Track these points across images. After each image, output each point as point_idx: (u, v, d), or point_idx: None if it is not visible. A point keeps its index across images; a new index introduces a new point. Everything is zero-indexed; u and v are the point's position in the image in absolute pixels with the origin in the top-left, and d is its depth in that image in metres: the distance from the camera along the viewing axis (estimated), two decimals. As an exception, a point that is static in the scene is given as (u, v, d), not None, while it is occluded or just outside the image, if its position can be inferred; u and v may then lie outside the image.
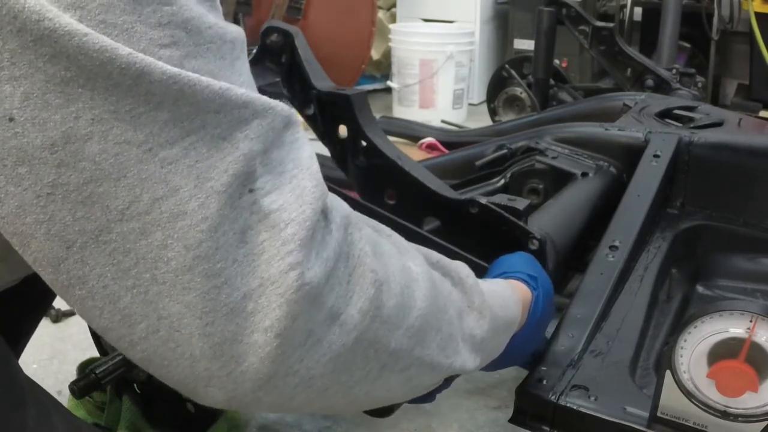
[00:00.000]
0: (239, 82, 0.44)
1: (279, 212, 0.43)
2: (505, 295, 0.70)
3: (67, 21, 0.38)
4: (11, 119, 0.38)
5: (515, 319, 0.70)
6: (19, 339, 0.86)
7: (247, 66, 0.47)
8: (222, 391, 0.44)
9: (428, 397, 0.70)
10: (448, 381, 0.69)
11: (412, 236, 0.82)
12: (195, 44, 0.42)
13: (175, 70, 0.40)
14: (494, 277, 0.77)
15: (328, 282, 0.45)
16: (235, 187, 0.42)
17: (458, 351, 0.59)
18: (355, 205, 0.88)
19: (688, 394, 0.64)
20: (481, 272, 0.76)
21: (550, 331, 0.82)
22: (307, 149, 0.47)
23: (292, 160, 0.46)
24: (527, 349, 0.77)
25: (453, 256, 0.77)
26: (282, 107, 0.46)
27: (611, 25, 2.02)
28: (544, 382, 0.74)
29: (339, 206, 0.49)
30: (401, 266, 0.53)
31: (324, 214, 0.46)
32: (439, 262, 0.61)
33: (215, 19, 0.44)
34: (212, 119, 0.42)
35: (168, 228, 0.40)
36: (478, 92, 3.30)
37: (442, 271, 0.61)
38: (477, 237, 0.88)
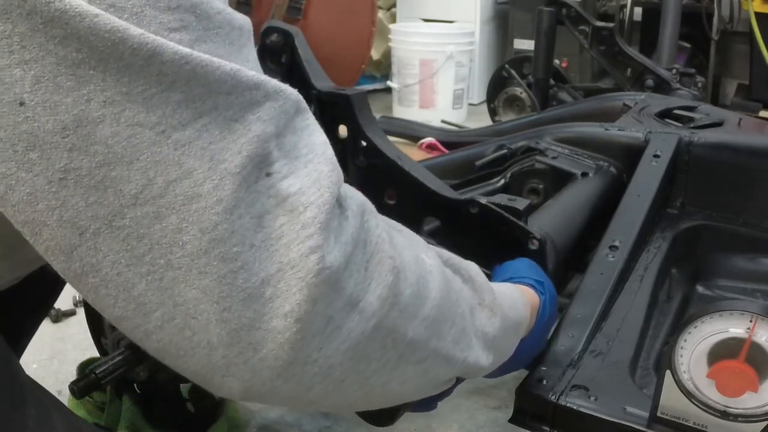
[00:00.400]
0: (248, 68, 0.44)
1: (297, 196, 0.43)
2: (514, 297, 0.70)
3: (78, 2, 0.38)
4: (22, 103, 0.38)
5: (524, 321, 0.70)
6: (20, 339, 0.86)
7: (254, 54, 0.47)
8: (239, 380, 0.43)
9: (430, 404, 0.69)
10: (449, 388, 0.69)
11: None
12: (204, 29, 0.42)
13: (187, 50, 0.40)
14: (500, 282, 0.77)
15: (347, 268, 0.44)
16: (249, 169, 0.41)
17: (471, 346, 0.58)
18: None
19: (688, 394, 0.64)
20: None
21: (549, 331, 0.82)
22: (320, 135, 0.47)
23: (306, 145, 0.45)
24: (534, 353, 0.77)
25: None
26: (292, 92, 0.45)
27: (611, 25, 2.02)
28: (544, 382, 0.74)
29: (354, 194, 0.48)
30: (415, 257, 0.52)
31: (339, 201, 0.46)
32: (449, 260, 0.61)
33: (223, 5, 0.44)
34: (224, 100, 0.41)
35: (182, 211, 0.40)
36: (478, 92, 3.30)
37: (453, 268, 0.60)
38: (477, 237, 0.88)
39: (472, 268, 0.63)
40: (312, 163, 0.44)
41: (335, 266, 0.43)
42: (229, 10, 0.44)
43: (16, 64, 0.38)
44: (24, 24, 0.37)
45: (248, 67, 0.44)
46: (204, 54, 0.41)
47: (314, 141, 0.46)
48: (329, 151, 0.47)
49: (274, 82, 0.44)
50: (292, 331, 0.42)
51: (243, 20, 0.46)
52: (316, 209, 0.43)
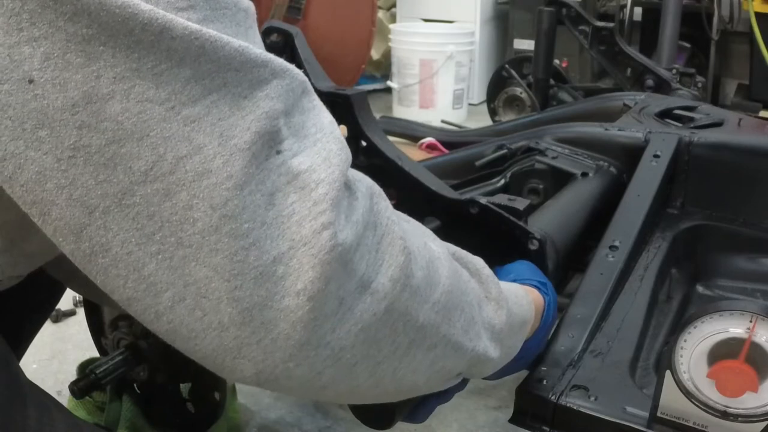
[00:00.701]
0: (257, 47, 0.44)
1: (308, 173, 0.42)
2: (519, 295, 0.69)
3: None
4: (31, 81, 0.38)
5: (529, 319, 0.70)
6: (20, 341, 0.86)
7: (259, 37, 0.47)
8: (251, 362, 0.42)
9: (424, 413, 0.69)
10: (448, 393, 0.69)
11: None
12: (211, 9, 0.42)
13: (196, 26, 0.40)
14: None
15: (359, 249, 0.44)
16: (259, 145, 0.41)
17: (480, 336, 0.58)
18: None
19: (688, 394, 0.64)
20: None
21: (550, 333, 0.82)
22: (327, 115, 0.47)
23: (314, 124, 0.45)
24: (536, 354, 0.77)
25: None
26: (298, 72, 0.45)
27: (611, 25, 2.02)
28: (544, 382, 0.74)
29: (362, 177, 0.48)
30: (423, 243, 0.52)
31: (348, 183, 0.46)
32: (456, 252, 0.61)
33: None
34: (233, 77, 0.41)
35: (193, 187, 0.39)
36: (478, 92, 3.30)
37: (460, 261, 0.60)
38: (477, 237, 0.88)
39: (478, 261, 0.63)
40: (321, 142, 0.44)
41: (347, 244, 0.43)
42: None
43: (25, 42, 0.37)
44: (33, 1, 0.37)
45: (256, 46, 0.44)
46: (214, 27, 0.41)
47: (322, 120, 0.46)
48: (337, 131, 0.47)
49: (281, 61, 0.44)
50: (305, 309, 0.41)
51: (248, 3, 0.46)
52: (327, 186, 0.42)
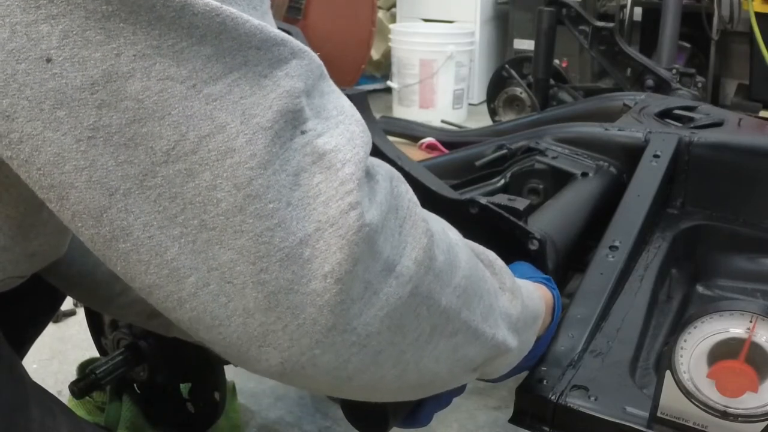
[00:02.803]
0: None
1: (334, 153, 0.42)
2: (530, 289, 0.69)
3: None
4: (49, 60, 0.37)
5: (541, 313, 0.70)
6: (23, 343, 0.86)
7: (274, 22, 0.46)
8: (277, 350, 0.41)
9: (424, 416, 0.69)
10: (447, 396, 0.68)
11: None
12: None
13: (216, 3, 0.39)
14: None
15: (384, 230, 0.43)
16: (281, 124, 0.40)
17: (498, 324, 0.57)
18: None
19: (688, 394, 0.64)
20: None
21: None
22: (345, 99, 0.47)
23: (335, 107, 0.45)
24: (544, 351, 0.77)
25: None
26: (315, 55, 0.45)
27: (611, 25, 2.02)
28: (544, 382, 0.74)
29: (380, 162, 0.48)
30: (441, 228, 0.52)
31: (368, 167, 0.45)
32: (469, 243, 0.60)
33: None
34: (254, 56, 0.40)
35: (216, 167, 0.39)
36: (478, 92, 3.30)
37: (474, 251, 0.60)
38: (477, 237, 0.88)
39: (491, 253, 0.63)
40: (343, 124, 0.44)
41: (374, 224, 0.42)
42: None
43: (43, 20, 0.37)
44: None
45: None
46: (232, 8, 0.40)
47: (343, 103, 0.46)
48: (357, 114, 0.46)
49: (298, 42, 0.43)
50: (332, 292, 0.40)
51: None
52: (353, 166, 0.42)
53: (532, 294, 0.68)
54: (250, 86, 0.40)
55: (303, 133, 0.41)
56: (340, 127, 0.43)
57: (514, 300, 0.61)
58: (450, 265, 0.50)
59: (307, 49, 0.44)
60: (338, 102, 0.45)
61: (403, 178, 0.49)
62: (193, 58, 0.38)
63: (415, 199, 0.48)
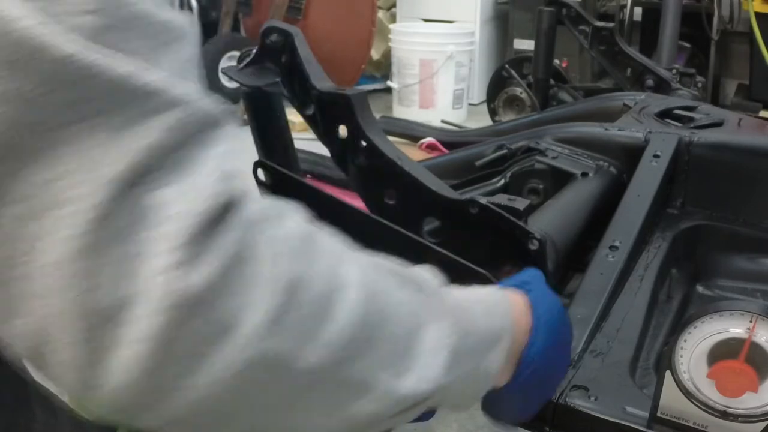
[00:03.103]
0: (164, 68, 0.40)
1: (165, 207, 0.38)
2: (489, 304, 0.62)
3: None
4: None
5: (503, 330, 0.61)
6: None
7: (184, 57, 0.42)
8: (96, 405, 0.39)
9: (425, 415, 0.63)
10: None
11: (410, 244, 0.82)
12: (120, 17, 0.39)
13: (77, 48, 0.37)
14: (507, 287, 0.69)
15: (220, 290, 0.39)
16: (127, 179, 0.37)
17: (410, 369, 0.50)
18: (347, 213, 0.88)
19: (688, 394, 0.64)
20: (481, 280, 0.75)
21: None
22: (224, 147, 0.42)
23: (204, 158, 0.40)
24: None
25: (453, 265, 0.76)
26: (206, 103, 0.41)
27: (611, 25, 2.02)
28: (544, 382, 0.74)
29: (251, 203, 0.42)
30: (330, 271, 0.46)
31: (225, 209, 0.40)
32: (395, 270, 0.54)
33: (153, 3, 0.41)
34: (114, 105, 0.38)
35: (50, 216, 0.36)
36: (478, 92, 3.30)
37: (399, 278, 0.53)
38: (477, 237, 0.88)
39: (424, 274, 0.57)
40: (199, 175, 0.40)
41: (202, 285, 0.38)
42: (164, 6, 0.41)
43: None
44: None
45: (166, 67, 0.40)
46: (108, 48, 0.38)
47: (215, 153, 0.41)
48: (231, 163, 0.42)
49: (184, 90, 0.40)
50: (146, 357, 0.37)
51: (180, 20, 0.42)
52: (183, 221, 0.38)
53: (492, 309, 0.61)
54: (106, 135, 0.37)
55: (141, 185, 0.38)
56: (192, 178, 0.39)
57: (451, 326, 0.54)
58: (319, 318, 0.44)
59: (193, 98, 0.40)
60: (211, 152, 0.41)
61: (283, 221, 0.44)
62: (46, 104, 0.36)
63: (271, 251, 0.42)
